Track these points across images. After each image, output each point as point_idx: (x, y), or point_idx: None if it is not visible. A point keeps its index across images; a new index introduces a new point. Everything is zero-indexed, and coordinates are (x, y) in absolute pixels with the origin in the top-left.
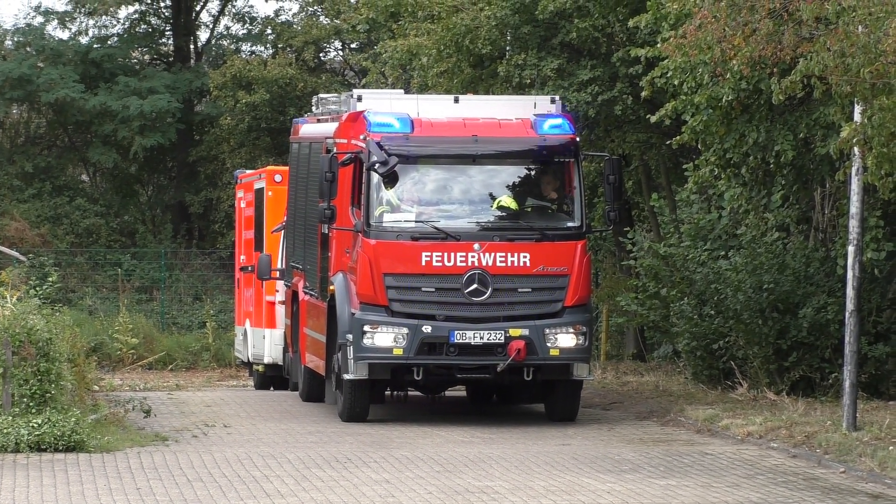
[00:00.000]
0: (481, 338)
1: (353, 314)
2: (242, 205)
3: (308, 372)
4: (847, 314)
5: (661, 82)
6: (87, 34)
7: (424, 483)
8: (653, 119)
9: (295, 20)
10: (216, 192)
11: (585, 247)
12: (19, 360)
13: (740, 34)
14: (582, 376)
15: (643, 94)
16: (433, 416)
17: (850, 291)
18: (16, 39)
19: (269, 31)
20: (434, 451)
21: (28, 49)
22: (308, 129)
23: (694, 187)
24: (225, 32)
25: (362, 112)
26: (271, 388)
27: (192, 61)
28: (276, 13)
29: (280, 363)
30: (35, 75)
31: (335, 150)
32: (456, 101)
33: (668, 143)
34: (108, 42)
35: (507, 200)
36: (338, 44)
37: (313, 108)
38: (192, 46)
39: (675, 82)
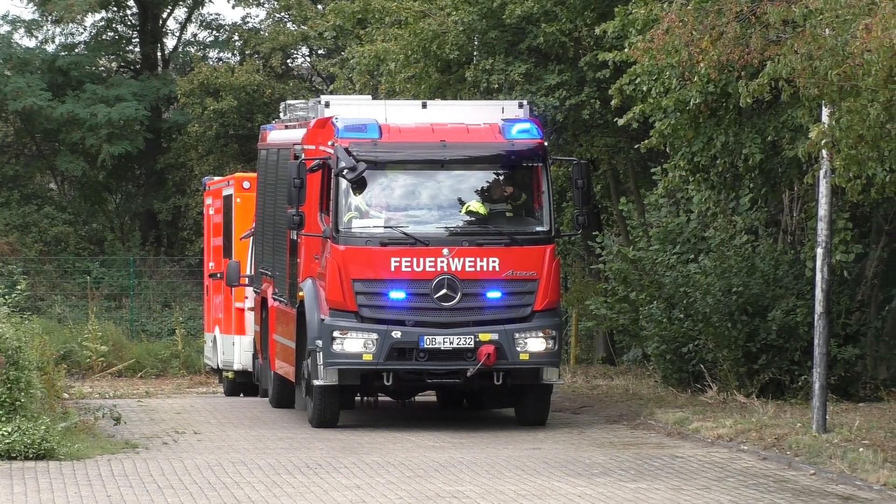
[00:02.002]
0: (451, 343)
1: (323, 320)
2: (211, 212)
3: (278, 378)
4: (816, 316)
5: (630, 89)
6: (53, 42)
7: (395, 488)
8: (620, 122)
9: (262, 27)
10: (184, 199)
11: (554, 251)
12: None
13: (707, 37)
14: (552, 380)
15: (612, 102)
16: (403, 422)
17: (819, 294)
18: None
19: (236, 37)
20: (405, 456)
21: None
22: (276, 135)
23: (663, 191)
24: (192, 39)
25: (330, 118)
26: (241, 395)
27: (160, 69)
28: (244, 20)
29: (250, 370)
30: (2, 84)
31: (303, 157)
32: (424, 106)
33: (636, 147)
34: (75, 50)
35: (476, 205)
36: (305, 50)
37: (281, 115)
38: (159, 54)
39: (644, 88)
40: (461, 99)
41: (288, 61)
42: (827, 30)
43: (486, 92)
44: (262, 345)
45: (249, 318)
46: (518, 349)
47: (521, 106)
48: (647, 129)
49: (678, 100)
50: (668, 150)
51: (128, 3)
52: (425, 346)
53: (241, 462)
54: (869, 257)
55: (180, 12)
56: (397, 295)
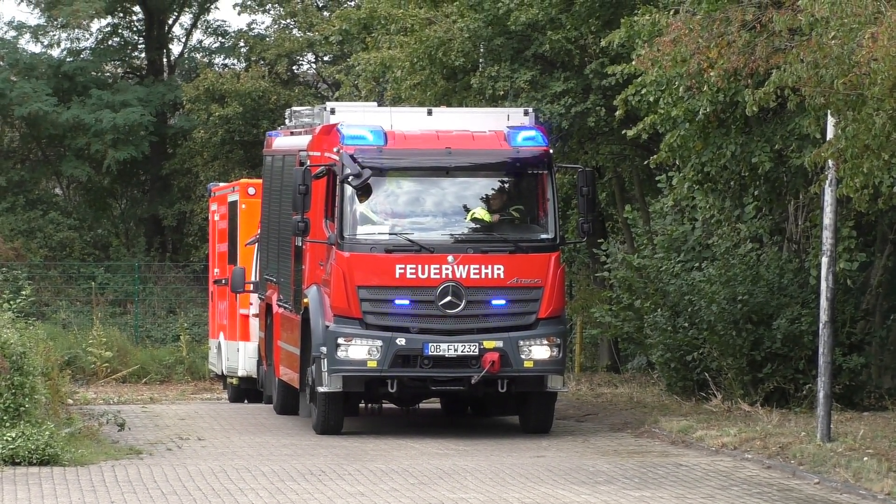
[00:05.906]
0: (455, 350)
1: (328, 327)
2: (216, 218)
3: (282, 385)
4: (821, 325)
5: (636, 100)
6: (59, 47)
7: (399, 496)
8: (629, 134)
9: (268, 33)
10: (189, 205)
11: (559, 259)
12: None
13: (714, 46)
14: (556, 388)
15: (617, 113)
16: (408, 429)
17: (823, 302)
18: None
19: (241, 43)
20: (409, 463)
21: (1, 63)
22: (281, 141)
23: (672, 202)
24: (198, 45)
25: (335, 125)
26: (245, 401)
27: (165, 74)
28: (249, 26)
29: (254, 376)
30: (8, 89)
31: (308, 163)
32: (429, 113)
33: (646, 163)
34: (81, 55)
35: (481, 212)
36: (311, 56)
37: (286, 121)
38: (164, 59)
39: (651, 99)
40: (467, 106)
41: (293, 68)
42: (833, 39)
43: (491, 99)
44: (266, 351)
45: (254, 324)
46: (522, 357)
47: (526, 113)
48: (653, 138)
49: (687, 109)
50: (677, 162)
51: (134, 9)
52: (430, 353)
53: (245, 468)
54: (874, 266)
55: (186, 18)
56: (402, 302)
